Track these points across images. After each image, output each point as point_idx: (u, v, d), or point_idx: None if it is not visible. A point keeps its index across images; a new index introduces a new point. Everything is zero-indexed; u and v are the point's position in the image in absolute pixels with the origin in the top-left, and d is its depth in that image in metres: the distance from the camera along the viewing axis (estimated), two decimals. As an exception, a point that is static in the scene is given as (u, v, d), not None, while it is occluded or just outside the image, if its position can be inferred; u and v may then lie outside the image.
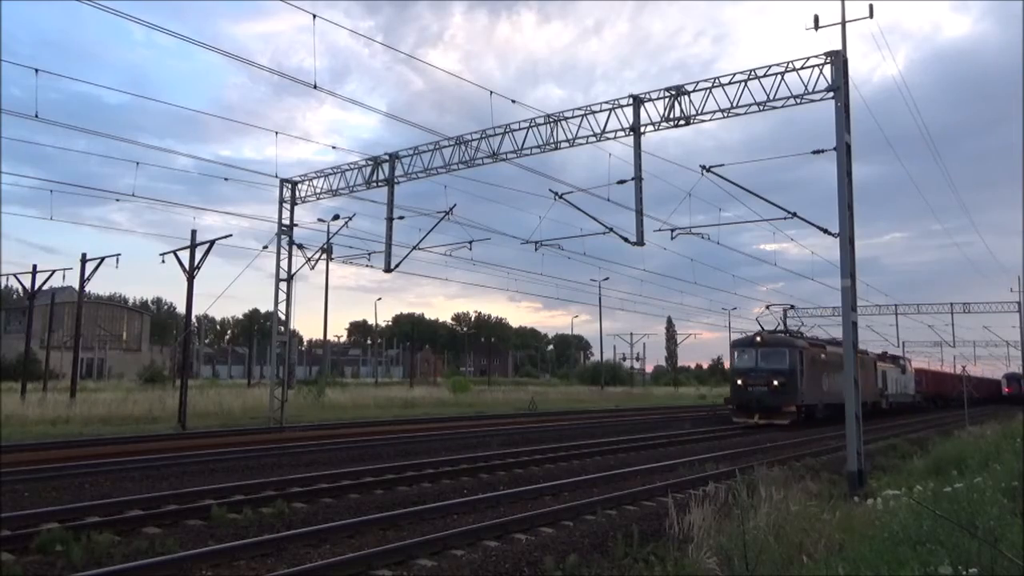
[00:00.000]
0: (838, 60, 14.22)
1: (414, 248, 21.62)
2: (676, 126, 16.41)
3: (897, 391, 45.04)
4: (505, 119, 20.10)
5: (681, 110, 16.26)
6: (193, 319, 32.27)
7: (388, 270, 22.02)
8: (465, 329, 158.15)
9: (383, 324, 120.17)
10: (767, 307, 41.72)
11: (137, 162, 19.85)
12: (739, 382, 30.52)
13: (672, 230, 18.46)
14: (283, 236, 23.90)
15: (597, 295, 57.25)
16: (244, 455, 16.27)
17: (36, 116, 14.26)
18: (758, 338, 30.89)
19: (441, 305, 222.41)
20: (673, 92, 16.30)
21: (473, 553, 8.27)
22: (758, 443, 21.92)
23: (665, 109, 16.40)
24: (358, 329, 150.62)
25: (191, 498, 10.60)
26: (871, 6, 14.72)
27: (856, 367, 13.79)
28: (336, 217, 24.93)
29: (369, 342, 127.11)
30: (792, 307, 44.34)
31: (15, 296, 77.39)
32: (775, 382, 29.14)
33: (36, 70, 14.05)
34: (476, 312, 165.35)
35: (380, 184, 21.57)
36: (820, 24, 14.89)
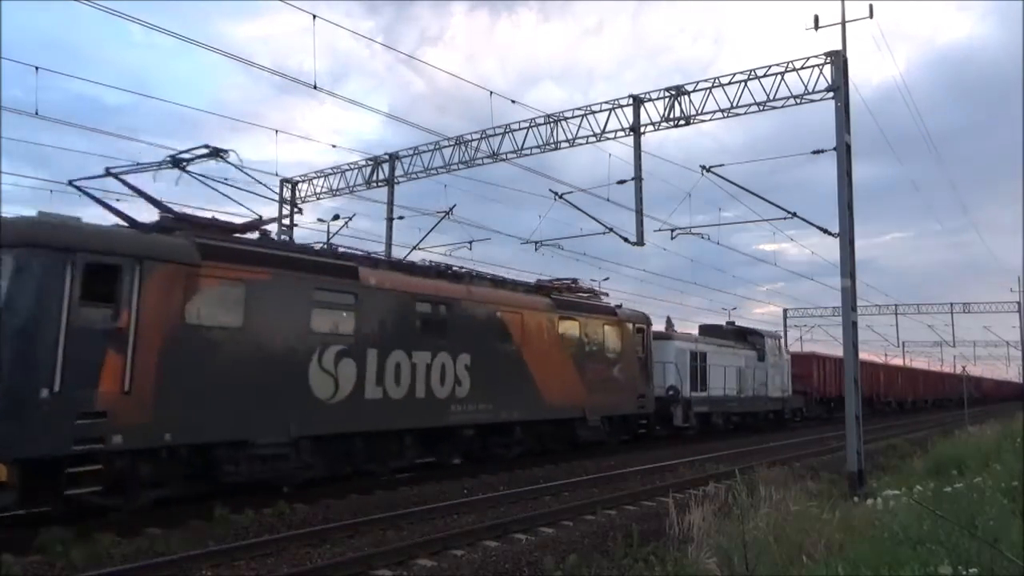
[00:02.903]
0: (838, 60, 14.21)
1: (414, 248, 21.58)
2: (676, 126, 16.40)
3: (734, 390, 26.51)
4: (505, 119, 20.12)
5: (681, 110, 16.25)
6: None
7: (388, 270, 22.02)
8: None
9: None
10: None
11: (137, 162, 19.77)
12: None
13: (672, 230, 18.44)
14: (283, 236, 23.88)
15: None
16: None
17: (36, 113, 14.23)
18: None
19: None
20: (673, 92, 16.29)
21: (473, 553, 8.27)
22: (758, 443, 21.92)
23: (665, 109, 16.38)
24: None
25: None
26: (871, 6, 14.71)
27: (857, 366, 13.77)
28: (336, 217, 24.87)
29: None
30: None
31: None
32: None
33: (36, 68, 14.03)
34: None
35: (380, 184, 21.55)
36: (820, 24, 14.87)
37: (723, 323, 30.76)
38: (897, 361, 57.61)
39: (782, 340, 32.53)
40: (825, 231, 14.75)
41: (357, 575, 7.35)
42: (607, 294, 21.61)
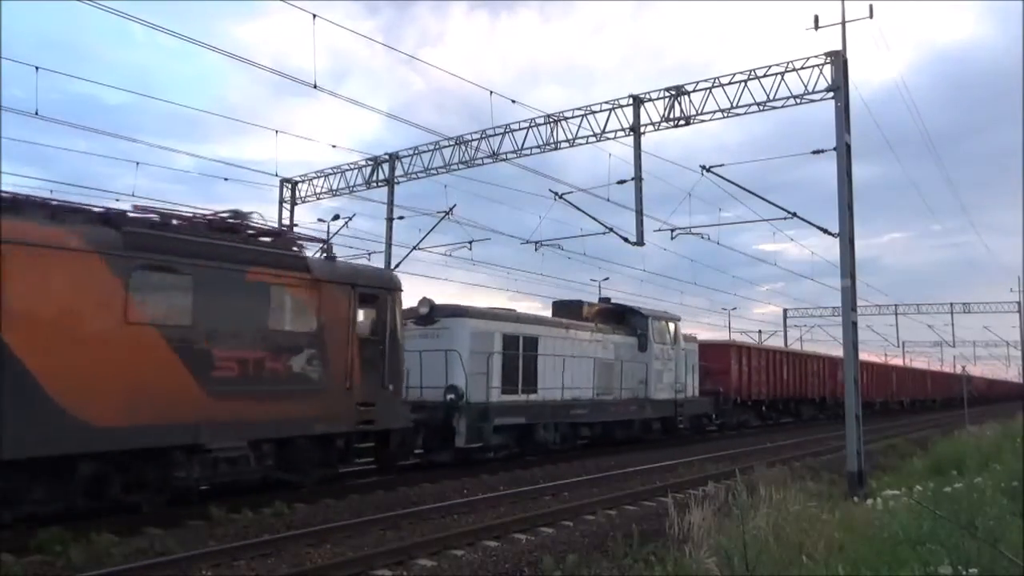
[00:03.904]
0: (838, 60, 14.22)
1: (414, 248, 21.60)
2: (676, 126, 16.40)
3: (589, 391, 18.94)
4: (505, 119, 20.08)
5: (681, 110, 16.25)
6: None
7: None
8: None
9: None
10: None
11: (137, 162, 19.71)
12: None
13: (672, 230, 18.44)
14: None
15: (597, 295, 57.21)
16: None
17: (36, 113, 14.20)
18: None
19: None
20: (673, 92, 16.29)
21: (473, 553, 8.27)
22: (758, 443, 21.92)
23: (665, 109, 16.39)
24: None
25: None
26: (871, 6, 14.71)
27: (857, 366, 13.77)
28: (336, 217, 24.85)
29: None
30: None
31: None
32: None
33: (36, 68, 13.98)
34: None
35: (380, 184, 21.55)
36: (820, 24, 14.87)
37: (608, 302, 23.02)
38: (874, 358, 52.34)
39: (679, 324, 22.88)
40: (825, 231, 14.76)
41: (357, 575, 7.34)
42: (326, 244, 13.02)
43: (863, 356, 51.72)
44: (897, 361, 53.84)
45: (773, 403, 31.48)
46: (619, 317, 21.63)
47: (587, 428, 19.02)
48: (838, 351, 51.35)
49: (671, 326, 22.42)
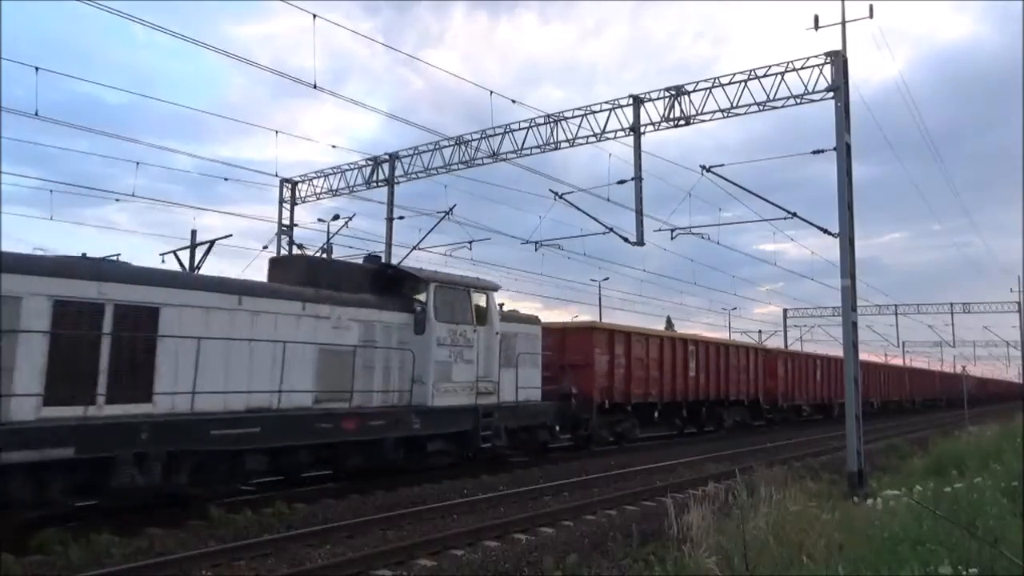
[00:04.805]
0: (838, 60, 14.22)
1: (414, 248, 21.59)
2: (676, 126, 16.41)
3: (264, 398, 11.00)
4: (505, 119, 20.13)
5: (681, 110, 16.26)
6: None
7: (388, 270, 22.00)
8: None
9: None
10: None
11: (137, 162, 19.71)
12: None
13: (672, 230, 18.45)
14: (283, 236, 23.89)
15: (597, 295, 57.27)
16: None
17: (36, 114, 14.21)
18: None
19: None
20: (673, 92, 16.30)
21: (473, 553, 8.27)
22: (758, 443, 21.92)
23: (665, 109, 16.40)
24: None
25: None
26: (871, 6, 14.71)
27: (858, 367, 13.77)
28: (336, 217, 24.86)
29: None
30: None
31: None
32: None
33: (36, 68, 13.98)
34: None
35: (380, 184, 21.57)
36: (820, 24, 14.88)
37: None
38: (875, 357, 50.21)
39: (492, 295, 15.31)
40: (825, 231, 14.76)
41: (357, 575, 7.35)
42: None
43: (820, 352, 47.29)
44: (874, 359, 50.98)
45: (672, 407, 22.60)
46: (388, 283, 14.18)
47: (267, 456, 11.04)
48: (809, 347, 50.15)
49: (478, 298, 14.89)
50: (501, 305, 16.05)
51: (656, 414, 21.91)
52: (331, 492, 11.54)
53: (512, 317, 16.48)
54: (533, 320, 17.30)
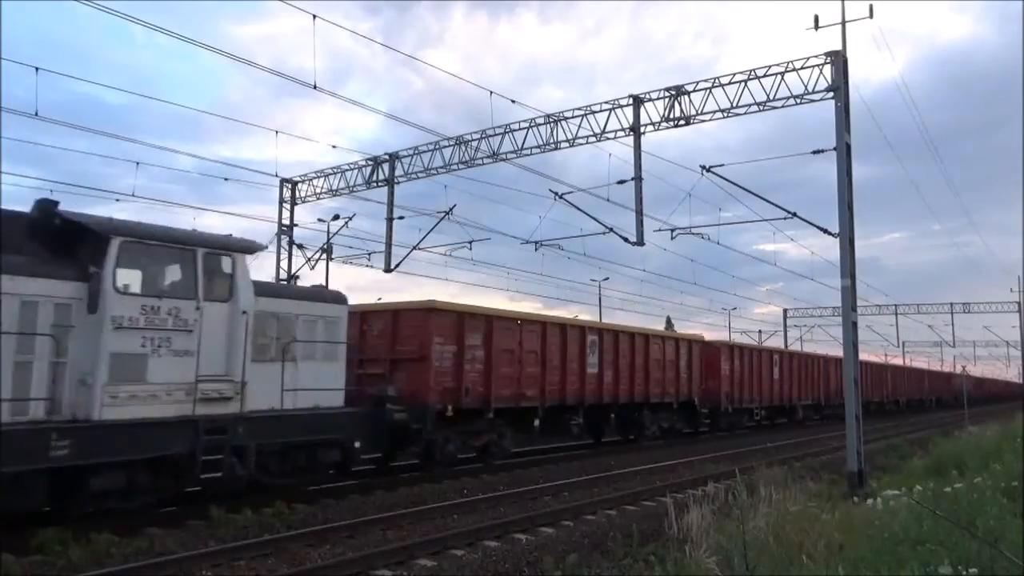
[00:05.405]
0: (838, 60, 14.22)
1: (414, 248, 21.61)
2: (676, 126, 16.40)
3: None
4: (505, 119, 20.12)
5: (681, 110, 16.25)
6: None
7: (388, 270, 22.00)
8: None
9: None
10: None
11: (137, 162, 19.71)
12: None
13: (672, 230, 18.46)
14: (283, 236, 23.89)
15: (597, 295, 57.29)
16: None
17: (36, 114, 14.22)
18: None
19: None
20: (673, 92, 16.29)
21: (473, 553, 8.27)
22: (758, 443, 21.93)
23: (665, 109, 16.39)
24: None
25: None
26: (871, 6, 14.71)
27: (858, 367, 13.76)
28: (336, 217, 24.89)
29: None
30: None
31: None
32: None
33: (36, 68, 13.99)
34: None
35: (380, 184, 21.55)
36: (820, 24, 14.88)
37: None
38: (875, 358, 48.50)
39: (240, 259, 10.65)
40: (825, 231, 14.75)
41: (357, 575, 7.35)
42: None
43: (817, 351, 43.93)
44: (866, 358, 49.97)
45: (562, 412, 17.99)
46: (59, 239, 9.50)
47: None
48: (809, 346, 50.07)
49: (215, 262, 10.47)
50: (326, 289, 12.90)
51: (537, 421, 17.27)
52: (331, 492, 11.54)
53: (298, 293, 12.90)
54: (333, 297, 12.80)
